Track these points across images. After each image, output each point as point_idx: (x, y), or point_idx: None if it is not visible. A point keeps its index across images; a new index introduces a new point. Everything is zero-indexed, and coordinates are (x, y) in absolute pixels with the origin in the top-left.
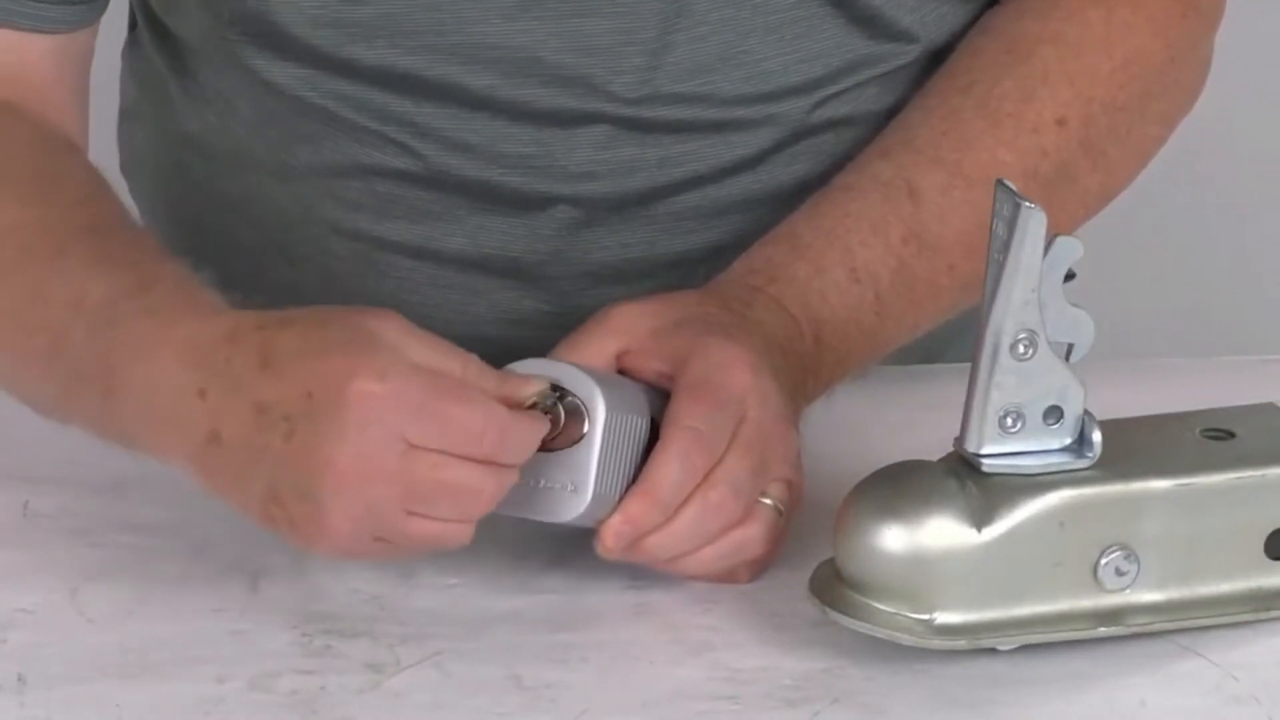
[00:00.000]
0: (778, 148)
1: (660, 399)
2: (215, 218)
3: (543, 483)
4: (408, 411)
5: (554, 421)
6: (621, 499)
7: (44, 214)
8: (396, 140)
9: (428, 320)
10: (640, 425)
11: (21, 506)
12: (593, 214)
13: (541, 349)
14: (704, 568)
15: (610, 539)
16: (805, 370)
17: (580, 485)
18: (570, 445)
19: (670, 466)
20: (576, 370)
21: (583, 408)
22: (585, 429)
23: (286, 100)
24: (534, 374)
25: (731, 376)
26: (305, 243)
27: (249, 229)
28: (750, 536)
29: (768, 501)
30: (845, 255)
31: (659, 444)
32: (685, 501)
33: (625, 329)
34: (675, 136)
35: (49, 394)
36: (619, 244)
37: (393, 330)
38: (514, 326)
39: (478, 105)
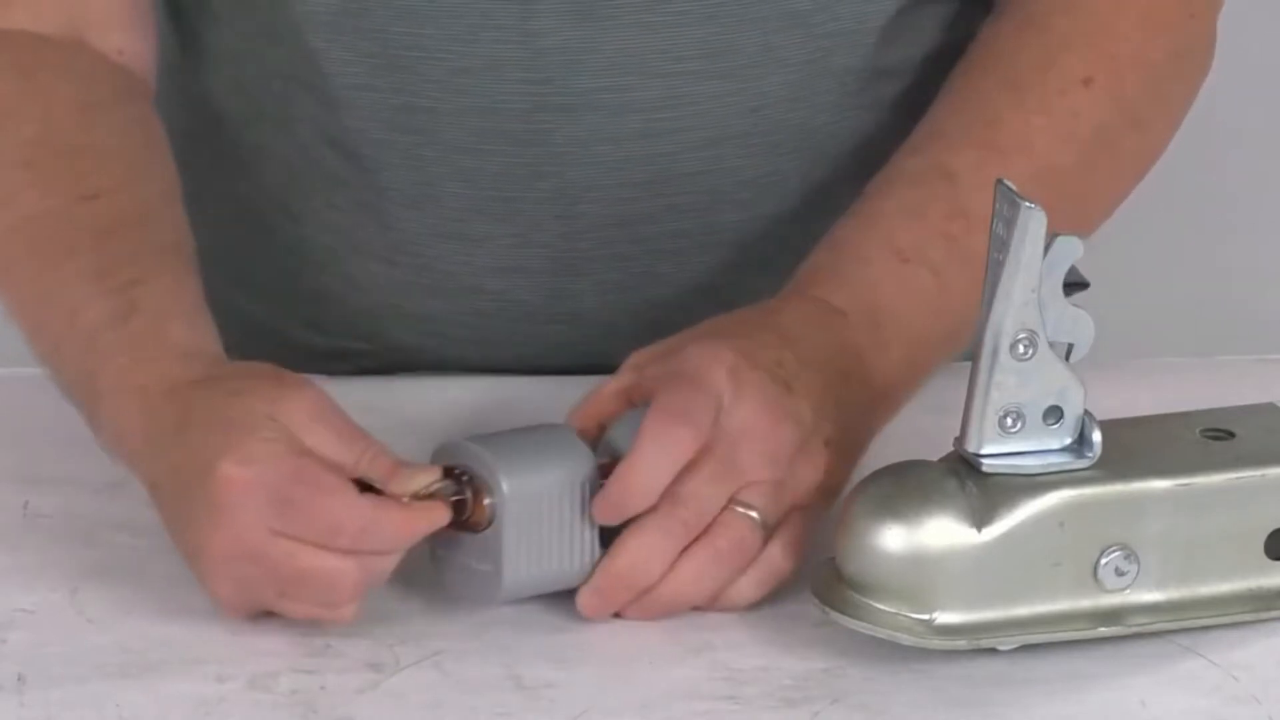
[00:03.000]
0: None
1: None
2: (221, 183)
3: (471, 564)
4: (268, 499)
5: (459, 506)
6: (598, 557)
7: (61, 207)
8: (390, 80)
9: (431, 273)
10: (577, 485)
11: (21, 506)
12: (591, 144)
13: (542, 299)
14: (688, 594)
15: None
16: (856, 357)
17: (496, 566)
18: (489, 526)
19: (645, 445)
20: (484, 452)
21: (487, 490)
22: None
23: (287, 46)
24: (430, 464)
25: (708, 373)
26: (308, 197)
27: (254, 189)
28: (719, 550)
29: (742, 510)
30: (887, 241)
31: (638, 430)
32: (634, 528)
33: (636, 364)
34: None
35: (59, 385)
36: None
37: (294, 410)
38: (515, 276)
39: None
